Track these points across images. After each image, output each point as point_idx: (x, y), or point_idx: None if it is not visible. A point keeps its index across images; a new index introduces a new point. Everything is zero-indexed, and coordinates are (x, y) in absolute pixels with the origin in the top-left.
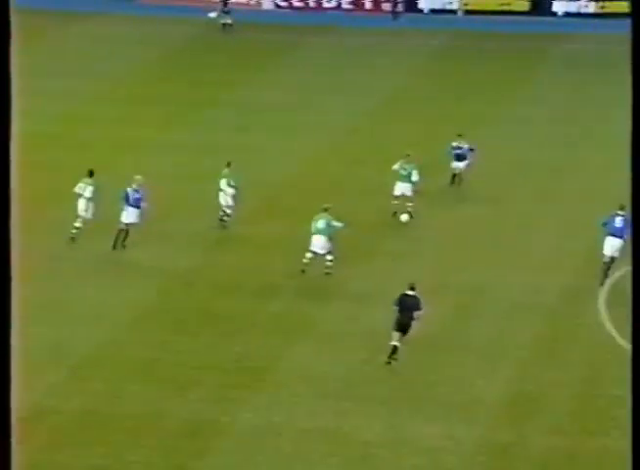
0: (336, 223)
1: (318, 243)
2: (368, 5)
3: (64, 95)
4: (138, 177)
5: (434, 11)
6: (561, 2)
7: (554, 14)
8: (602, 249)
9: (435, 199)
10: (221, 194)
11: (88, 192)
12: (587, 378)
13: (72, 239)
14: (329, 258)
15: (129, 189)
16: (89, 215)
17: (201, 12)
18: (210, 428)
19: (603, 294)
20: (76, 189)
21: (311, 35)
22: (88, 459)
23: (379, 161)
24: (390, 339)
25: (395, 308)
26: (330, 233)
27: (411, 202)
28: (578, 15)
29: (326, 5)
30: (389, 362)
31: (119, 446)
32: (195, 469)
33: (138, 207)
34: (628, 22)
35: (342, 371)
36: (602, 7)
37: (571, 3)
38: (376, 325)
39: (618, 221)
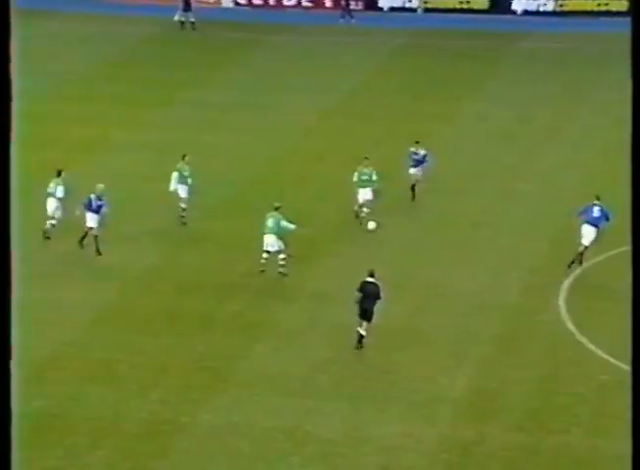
0: (285, 224)
1: (269, 241)
2: (328, 3)
3: (20, 94)
4: (100, 186)
5: (393, 9)
6: (520, 0)
7: (513, 12)
8: (578, 237)
9: (395, 198)
10: (173, 185)
11: (59, 192)
12: (548, 375)
13: (47, 238)
14: (281, 256)
15: (92, 196)
16: (59, 215)
17: (161, 10)
18: (170, 428)
19: (563, 291)
20: (48, 189)
21: (271, 34)
22: (45, 461)
23: (340, 159)
24: (357, 328)
25: (357, 296)
26: (279, 232)
27: (372, 205)
28: (537, 13)
29: (286, 3)
30: (359, 348)
31: (78, 449)
32: (154, 469)
33: (98, 212)
34: (587, 20)
35: (304, 370)
36: (561, 5)
37: (531, 1)
38: (337, 324)
39: (596, 211)
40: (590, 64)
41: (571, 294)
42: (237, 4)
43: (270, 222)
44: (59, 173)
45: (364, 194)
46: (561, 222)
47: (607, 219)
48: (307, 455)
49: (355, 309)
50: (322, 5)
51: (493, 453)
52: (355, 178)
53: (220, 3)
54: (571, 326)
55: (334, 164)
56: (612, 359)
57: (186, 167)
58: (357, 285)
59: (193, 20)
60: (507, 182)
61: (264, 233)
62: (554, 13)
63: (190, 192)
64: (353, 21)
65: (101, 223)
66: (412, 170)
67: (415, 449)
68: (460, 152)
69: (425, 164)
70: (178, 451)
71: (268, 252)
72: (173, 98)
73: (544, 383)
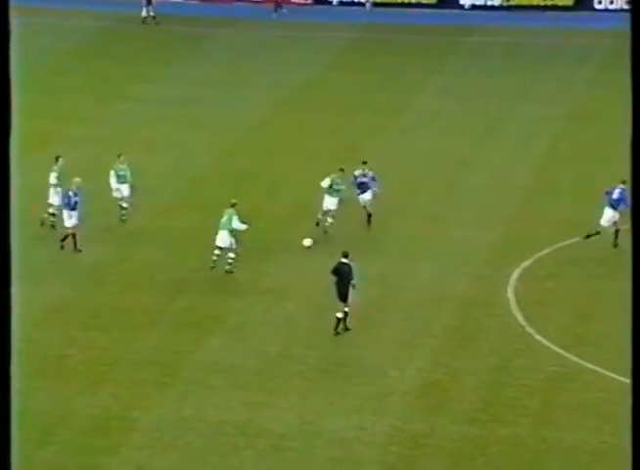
0: (237, 223)
1: (220, 237)
2: None
3: None
4: (77, 180)
5: (342, 3)
6: None
7: (461, 6)
8: (599, 217)
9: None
10: (113, 184)
11: (52, 178)
12: (497, 367)
13: (52, 227)
14: (230, 255)
15: (70, 192)
16: (56, 202)
17: (114, 5)
18: (120, 424)
19: (512, 283)
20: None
21: (222, 27)
22: None
23: (291, 153)
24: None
25: (333, 278)
26: (230, 228)
27: (333, 217)
28: (485, 7)
29: None
30: (337, 333)
31: (28, 444)
32: (105, 466)
33: (75, 209)
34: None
35: (255, 364)
36: (508, 0)
37: None
38: (290, 318)
39: (616, 193)
40: (537, 58)
41: (520, 286)
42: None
43: (224, 218)
44: (56, 159)
45: (331, 203)
46: (511, 215)
47: (625, 204)
48: (260, 449)
49: (333, 292)
50: None
51: (444, 445)
52: (326, 185)
53: None
54: (520, 318)
55: (286, 158)
56: (560, 351)
57: (121, 166)
58: (333, 266)
59: (154, 14)
60: (458, 175)
61: (219, 229)
62: (501, 7)
63: (132, 191)
64: (284, 11)
65: (79, 220)
66: (362, 196)
67: (366, 442)
68: (411, 145)
69: (374, 187)
70: (129, 447)
71: (220, 248)
72: (124, 92)
73: (494, 374)
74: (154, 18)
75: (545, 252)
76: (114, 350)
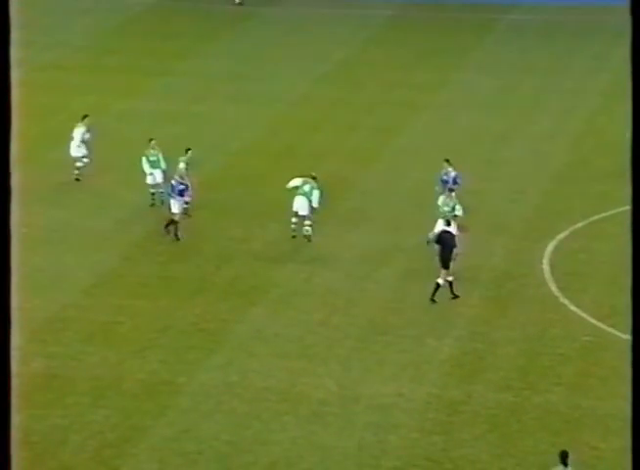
0: (316, 200)
1: (299, 204)
2: None
3: (20, 64)
4: (181, 167)
5: None
6: None
7: None
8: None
9: (389, 165)
10: (147, 169)
11: (81, 134)
12: (532, 336)
13: (77, 180)
14: (307, 222)
15: (174, 181)
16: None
17: None
18: (168, 388)
19: (547, 255)
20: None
21: (264, 6)
22: (48, 420)
23: (331, 127)
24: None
25: (436, 246)
26: (310, 198)
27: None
28: None
29: None
30: (433, 301)
31: (79, 408)
32: (152, 427)
33: (183, 195)
34: None
35: (297, 332)
36: None
37: None
38: (331, 288)
39: None
40: (573, 35)
41: (555, 257)
42: None
43: (306, 187)
44: (84, 117)
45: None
46: (547, 188)
47: None
48: (301, 415)
49: (436, 261)
50: None
51: (480, 412)
52: (298, 183)
53: None
54: (554, 289)
55: (327, 133)
56: (594, 321)
57: (152, 152)
58: (436, 234)
59: None
60: (495, 150)
61: (297, 195)
62: None
63: (164, 177)
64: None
65: (184, 208)
66: (442, 199)
67: (404, 408)
68: (448, 121)
69: (456, 188)
70: (176, 410)
71: (298, 215)
72: (170, 68)
73: (529, 344)
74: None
75: (580, 225)
76: (161, 317)
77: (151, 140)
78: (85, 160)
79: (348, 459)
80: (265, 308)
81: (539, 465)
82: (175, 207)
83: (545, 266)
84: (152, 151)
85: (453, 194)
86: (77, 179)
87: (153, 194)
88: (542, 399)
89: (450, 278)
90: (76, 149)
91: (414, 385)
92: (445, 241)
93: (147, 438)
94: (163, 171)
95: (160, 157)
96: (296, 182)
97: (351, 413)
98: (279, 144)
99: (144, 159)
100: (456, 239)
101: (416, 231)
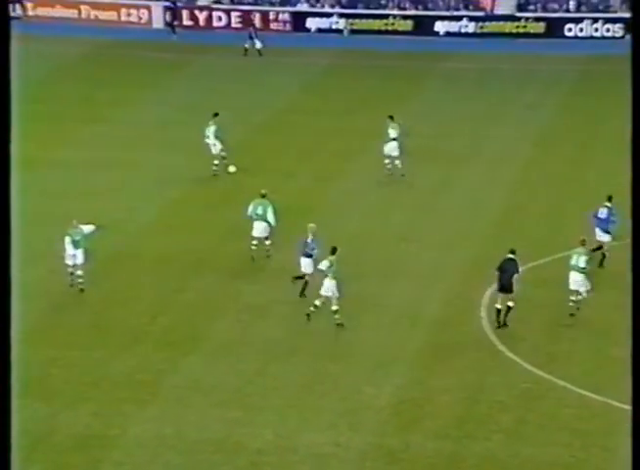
0: (272, 217)
1: (257, 228)
2: (257, 24)
3: None
4: (312, 225)
5: (320, 30)
6: (443, 22)
7: (436, 33)
8: (594, 237)
9: (327, 213)
10: (69, 250)
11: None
12: (471, 384)
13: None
14: (267, 242)
15: (308, 239)
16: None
17: (94, 31)
18: (101, 442)
19: (485, 302)
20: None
21: (201, 54)
22: None
23: (267, 174)
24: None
25: (497, 273)
26: (266, 219)
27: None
28: (459, 34)
29: (216, 24)
30: (499, 326)
31: (12, 463)
32: None
33: (312, 256)
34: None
35: (233, 382)
36: (481, 27)
37: (453, 23)
38: (268, 336)
39: (601, 212)
40: (509, 83)
41: (492, 305)
42: (167, 25)
43: (259, 210)
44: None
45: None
46: (484, 236)
47: (613, 222)
48: (238, 466)
49: (495, 286)
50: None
51: (418, 461)
52: (251, 209)
53: (151, 23)
54: (492, 336)
55: (264, 180)
56: (532, 368)
57: (76, 231)
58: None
59: (260, 47)
60: (431, 197)
61: (254, 220)
62: (475, 34)
63: (86, 257)
64: (175, 37)
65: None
66: (601, 235)
67: (342, 458)
68: (383, 168)
69: (611, 226)
70: (109, 464)
71: (256, 238)
72: (102, 116)
73: (467, 391)
74: (259, 51)
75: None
76: (94, 369)
77: (73, 220)
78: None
79: None
80: (201, 358)
81: None
82: (307, 267)
83: (483, 314)
84: (75, 230)
85: None
86: None
87: (72, 274)
88: (481, 448)
89: (510, 303)
90: None
91: (352, 433)
92: (506, 268)
93: None
94: (86, 250)
95: (82, 237)
96: (250, 209)
97: (289, 463)
98: (214, 192)
99: (68, 238)
100: (519, 265)
101: (356, 279)
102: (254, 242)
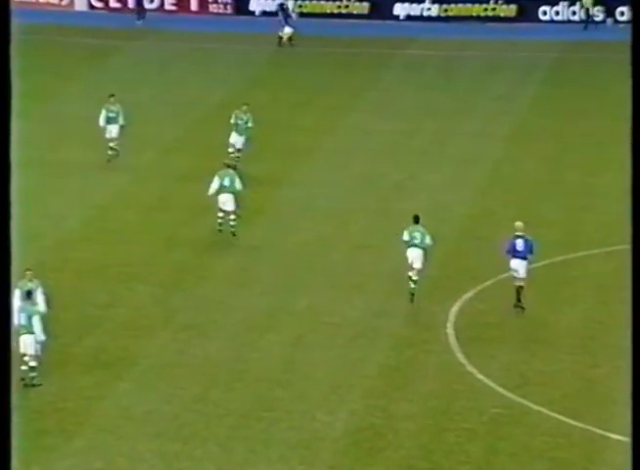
0: (240, 185)
1: (223, 200)
2: (194, 7)
3: None
4: (519, 224)
5: (265, 13)
6: (403, 5)
7: (395, 17)
8: (511, 272)
9: (275, 219)
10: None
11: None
12: (436, 410)
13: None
14: (232, 217)
15: (517, 240)
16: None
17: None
18: None
19: (451, 318)
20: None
21: (131, 39)
22: None
23: (206, 175)
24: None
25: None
26: (234, 190)
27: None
28: (421, 18)
29: (147, 6)
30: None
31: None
32: None
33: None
34: (473, 25)
35: (170, 409)
36: (445, 10)
37: (414, 6)
38: (208, 358)
39: (520, 244)
40: (477, 72)
41: (460, 320)
42: (92, 7)
43: (226, 181)
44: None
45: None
46: (450, 243)
47: (531, 252)
48: None
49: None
50: (187, 9)
51: None
52: (216, 181)
53: (73, 6)
54: (460, 356)
55: (204, 183)
56: (503, 391)
57: (112, 108)
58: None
59: (290, 34)
60: (391, 200)
61: (221, 192)
62: (438, 18)
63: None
64: (140, 22)
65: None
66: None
67: None
68: (341, 168)
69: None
70: None
71: (224, 210)
72: (18, 110)
73: (432, 418)
74: (290, 39)
75: (488, 283)
76: (15, 397)
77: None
78: None
79: None
80: (134, 383)
81: None
82: (518, 271)
83: (449, 330)
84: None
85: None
86: None
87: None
88: None
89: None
90: None
91: (304, 467)
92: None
93: None
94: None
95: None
96: (214, 185)
97: None
98: (148, 195)
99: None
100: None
101: (306, 292)
102: (220, 215)
